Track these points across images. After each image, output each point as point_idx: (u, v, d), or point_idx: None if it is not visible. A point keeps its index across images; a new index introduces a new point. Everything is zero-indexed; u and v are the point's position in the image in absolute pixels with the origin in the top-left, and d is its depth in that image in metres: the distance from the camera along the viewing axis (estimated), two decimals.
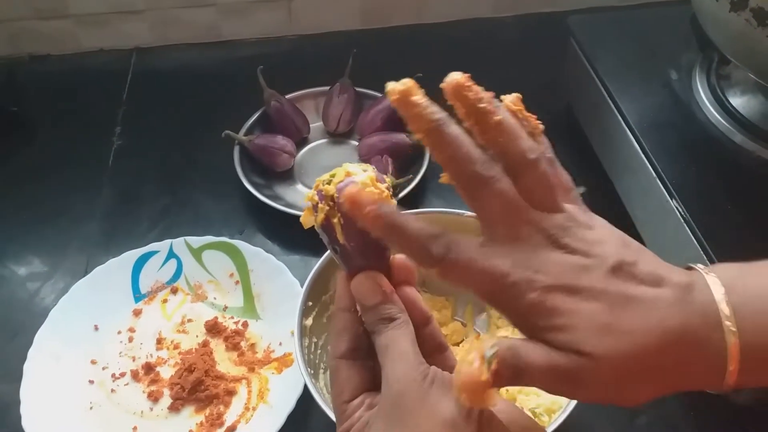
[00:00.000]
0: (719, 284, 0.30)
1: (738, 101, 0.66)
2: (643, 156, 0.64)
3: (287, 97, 0.82)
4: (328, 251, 0.57)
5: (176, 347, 0.63)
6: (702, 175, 0.63)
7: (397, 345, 0.33)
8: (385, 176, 0.35)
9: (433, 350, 0.35)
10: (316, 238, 0.59)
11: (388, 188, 0.34)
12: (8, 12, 0.90)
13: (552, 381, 0.30)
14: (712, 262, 0.54)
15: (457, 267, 0.31)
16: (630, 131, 0.66)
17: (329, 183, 0.34)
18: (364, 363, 0.35)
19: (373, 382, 0.34)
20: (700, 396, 0.58)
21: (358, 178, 0.33)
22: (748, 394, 0.53)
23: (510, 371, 0.29)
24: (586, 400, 0.32)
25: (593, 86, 0.72)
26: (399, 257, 0.35)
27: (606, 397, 0.31)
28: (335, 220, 0.34)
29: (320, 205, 0.34)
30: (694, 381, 0.31)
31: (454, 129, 0.31)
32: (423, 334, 0.35)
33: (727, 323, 0.29)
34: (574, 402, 0.48)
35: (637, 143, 0.65)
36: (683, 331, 0.29)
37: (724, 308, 0.29)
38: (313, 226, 0.35)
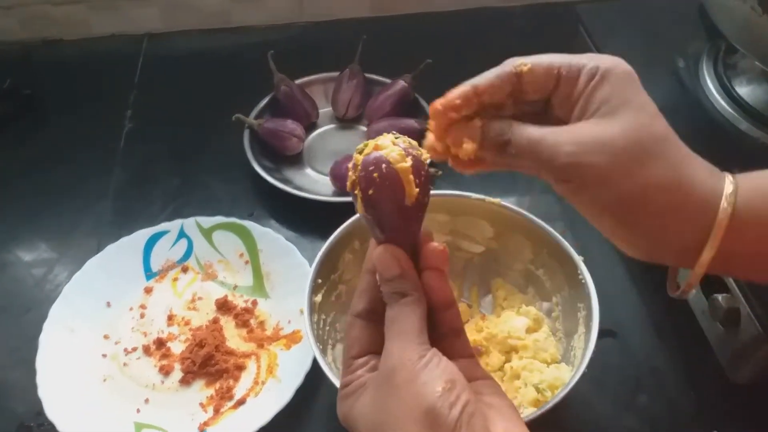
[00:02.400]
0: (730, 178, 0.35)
1: (744, 90, 0.67)
2: None
3: (297, 82, 0.84)
4: (340, 229, 0.59)
5: (187, 324, 0.64)
6: (707, 162, 0.64)
7: (403, 321, 0.34)
8: (418, 146, 0.36)
9: (447, 334, 0.36)
10: (324, 221, 0.61)
11: (419, 158, 0.35)
12: None
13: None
14: None
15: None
16: None
17: (361, 153, 0.35)
18: (377, 326, 0.36)
19: (381, 345, 0.35)
20: (701, 374, 0.59)
21: (387, 152, 0.34)
22: (747, 372, 0.54)
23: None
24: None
25: None
26: (432, 244, 0.36)
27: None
28: (356, 192, 0.35)
29: (350, 173, 0.35)
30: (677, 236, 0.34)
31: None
32: (441, 317, 0.36)
33: (724, 204, 0.33)
34: (576, 378, 0.49)
35: None
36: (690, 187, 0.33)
37: (728, 186, 0.34)
38: None
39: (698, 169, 0.34)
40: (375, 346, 0.35)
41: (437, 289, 0.35)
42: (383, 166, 0.34)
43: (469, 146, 0.35)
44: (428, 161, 0.35)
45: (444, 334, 0.36)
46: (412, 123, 0.77)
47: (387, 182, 0.34)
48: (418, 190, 0.34)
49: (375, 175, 0.34)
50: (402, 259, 0.35)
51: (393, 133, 0.36)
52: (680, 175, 0.33)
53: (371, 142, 0.35)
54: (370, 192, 0.34)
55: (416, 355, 0.32)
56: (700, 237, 0.33)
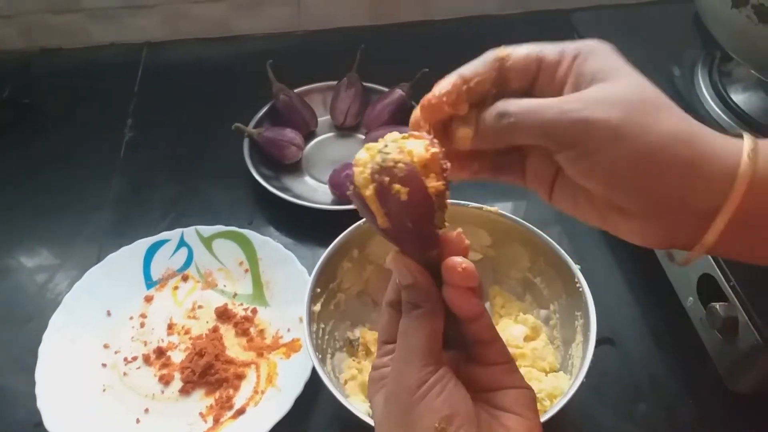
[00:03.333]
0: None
1: (740, 97, 0.67)
2: None
3: (296, 91, 0.84)
4: (339, 238, 0.59)
5: (187, 332, 0.64)
6: None
7: (411, 337, 0.33)
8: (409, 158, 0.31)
9: (475, 343, 0.34)
10: (323, 229, 0.62)
11: (384, 185, 0.31)
12: (21, 6, 0.92)
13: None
14: None
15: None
16: None
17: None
18: None
19: None
20: (699, 383, 0.59)
21: (357, 173, 0.32)
22: (746, 381, 0.54)
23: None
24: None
25: None
26: (453, 260, 0.33)
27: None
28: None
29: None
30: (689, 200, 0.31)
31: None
32: (467, 327, 0.34)
33: (745, 158, 0.30)
34: (575, 387, 0.50)
35: None
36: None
37: (748, 142, 0.31)
38: None
39: (709, 127, 0.32)
40: None
41: (458, 306, 0.33)
42: (351, 186, 0.32)
43: (464, 133, 0.34)
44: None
45: (473, 342, 0.34)
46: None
47: (358, 203, 0.32)
48: (386, 218, 0.31)
49: (348, 193, 0.33)
50: (413, 270, 0.33)
51: (382, 140, 0.32)
52: (694, 127, 0.31)
53: (358, 155, 0.32)
54: (353, 206, 0.33)
55: (417, 381, 0.31)
56: (718, 200, 0.31)
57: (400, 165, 0.31)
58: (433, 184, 0.31)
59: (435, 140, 0.32)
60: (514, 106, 0.33)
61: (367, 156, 0.32)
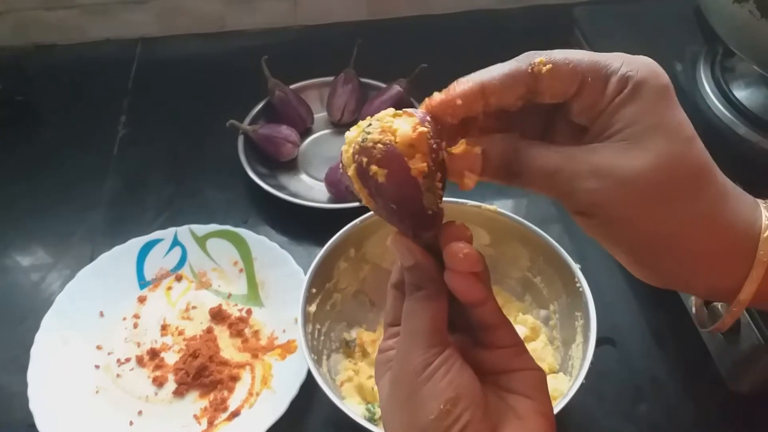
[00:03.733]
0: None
1: (742, 93, 0.66)
2: None
3: (292, 87, 0.83)
4: (335, 237, 0.58)
5: (180, 333, 0.63)
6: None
7: (414, 319, 0.32)
8: (389, 137, 0.30)
9: (481, 328, 0.33)
10: (319, 228, 0.61)
11: (362, 166, 0.30)
12: (15, 2, 0.91)
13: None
14: None
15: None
16: None
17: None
18: None
19: None
20: (700, 384, 0.59)
21: (342, 151, 0.31)
22: (747, 382, 0.54)
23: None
24: None
25: None
26: (456, 246, 0.32)
27: None
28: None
29: None
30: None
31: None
32: (471, 312, 0.33)
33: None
34: (575, 389, 0.49)
35: None
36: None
37: (765, 221, 0.30)
38: None
39: (734, 203, 0.30)
40: None
41: (460, 292, 0.32)
42: (340, 165, 0.32)
43: (470, 180, 0.31)
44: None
45: (479, 327, 0.34)
46: None
47: (348, 182, 0.32)
48: (370, 198, 0.31)
49: (340, 171, 0.32)
50: (414, 251, 0.32)
51: (371, 118, 0.31)
52: (715, 215, 0.29)
53: (348, 132, 0.32)
54: (350, 205, 0.33)
55: (422, 363, 0.31)
56: (734, 278, 0.30)
57: (378, 146, 0.30)
58: (417, 165, 0.30)
59: (428, 118, 0.31)
60: (526, 165, 0.30)
61: (354, 134, 0.31)
